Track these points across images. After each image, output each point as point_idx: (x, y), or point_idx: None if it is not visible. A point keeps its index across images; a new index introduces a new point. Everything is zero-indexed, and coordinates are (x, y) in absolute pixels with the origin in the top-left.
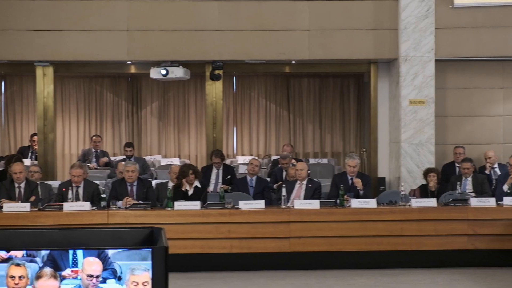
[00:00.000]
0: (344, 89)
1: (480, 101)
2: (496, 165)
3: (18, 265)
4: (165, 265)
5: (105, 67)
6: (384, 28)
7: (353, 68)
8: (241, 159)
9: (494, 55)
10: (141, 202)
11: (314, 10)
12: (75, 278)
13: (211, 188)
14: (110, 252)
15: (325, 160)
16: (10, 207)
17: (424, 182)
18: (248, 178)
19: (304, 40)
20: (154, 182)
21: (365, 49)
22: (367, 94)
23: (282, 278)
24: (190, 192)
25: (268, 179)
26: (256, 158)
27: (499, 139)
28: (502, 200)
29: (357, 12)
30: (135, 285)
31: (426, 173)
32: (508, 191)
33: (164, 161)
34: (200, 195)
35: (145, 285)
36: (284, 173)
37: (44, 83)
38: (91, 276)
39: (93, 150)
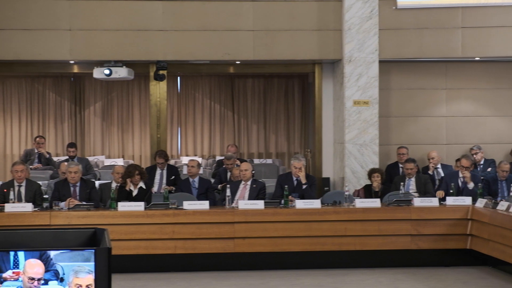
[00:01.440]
0: (288, 89)
1: (423, 102)
2: (439, 166)
3: None
4: (108, 266)
5: (47, 66)
6: (328, 29)
7: (297, 68)
8: (185, 160)
9: (437, 56)
10: (84, 203)
11: (258, 10)
12: (16, 280)
13: (155, 189)
14: (52, 253)
15: (269, 161)
16: None
17: (368, 182)
18: (191, 179)
19: (249, 41)
20: (97, 183)
21: (310, 50)
22: (312, 94)
23: (226, 279)
24: (135, 192)
25: (213, 180)
26: (194, 159)
27: (442, 139)
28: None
29: (302, 13)
30: None
31: (370, 173)
32: (481, 190)
33: (108, 162)
34: (144, 195)
35: None
36: (229, 173)
37: None
38: (33, 279)
39: (36, 151)
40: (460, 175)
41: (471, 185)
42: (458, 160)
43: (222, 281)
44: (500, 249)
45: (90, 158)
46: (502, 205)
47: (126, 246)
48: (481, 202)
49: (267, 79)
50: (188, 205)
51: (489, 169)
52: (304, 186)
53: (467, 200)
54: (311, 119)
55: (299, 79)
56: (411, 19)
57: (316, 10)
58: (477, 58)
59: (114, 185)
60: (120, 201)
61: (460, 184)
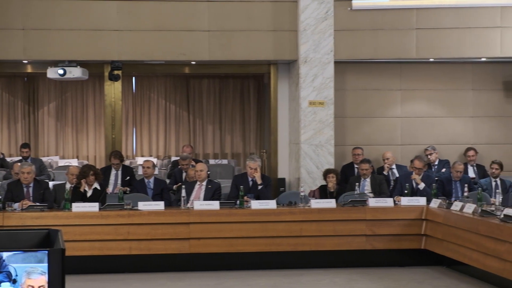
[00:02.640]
0: (244, 90)
1: (378, 102)
2: (394, 166)
3: None
4: (62, 267)
5: (0, 66)
6: (283, 30)
7: (253, 69)
8: (140, 160)
9: (392, 57)
10: (37, 203)
11: (214, 11)
12: None
13: (110, 189)
14: (5, 255)
15: (225, 161)
16: None
17: (323, 183)
18: (146, 179)
19: (204, 41)
20: (51, 184)
21: (265, 50)
22: (267, 95)
23: (181, 280)
24: (89, 193)
25: (168, 180)
26: (149, 159)
27: (397, 140)
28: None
29: (257, 14)
30: None
31: (326, 174)
32: (435, 190)
33: (62, 162)
34: (98, 196)
35: None
36: (184, 174)
37: None
38: None
39: None
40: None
41: (421, 186)
42: (412, 160)
43: (177, 282)
44: (454, 249)
45: (44, 159)
46: (456, 206)
47: (81, 247)
48: (435, 203)
49: (222, 80)
50: (143, 205)
51: (443, 170)
52: (259, 187)
53: (421, 201)
54: (267, 120)
55: (254, 79)
56: (366, 20)
57: (272, 10)
58: (431, 59)
59: (68, 186)
60: (74, 202)
61: (414, 185)
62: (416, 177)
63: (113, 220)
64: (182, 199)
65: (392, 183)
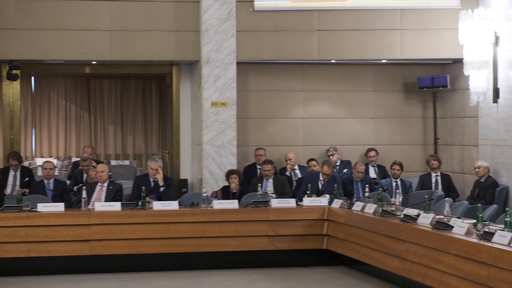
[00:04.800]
0: (146, 90)
1: (281, 103)
2: (296, 167)
3: None
4: None
5: None
6: (186, 30)
7: (155, 69)
8: (40, 161)
9: (294, 59)
10: None
11: (115, 10)
12: None
13: (8, 191)
14: None
15: (126, 162)
16: None
17: (226, 183)
18: (46, 181)
19: (105, 41)
20: None
21: (167, 51)
22: (169, 95)
23: (82, 282)
24: None
25: (68, 181)
26: (49, 160)
27: (299, 141)
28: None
29: (159, 14)
30: None
31: (228, 174)
32: (336, 191)
33: None
34: None
35: None
36: (85, 175)
37: None
38: None
39: None
40: (321, 177)
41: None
42: (309, 160)
43: (78, 284)
44: (355, 249)
45: None
46: (357, 206)
47: None
48: (337, 203)
49: (124, 80)
50: (42, 207)
51: (345, 170)
52: (161, 188)
53: (323, 201)
54: (169, 121)
55: (156, 80)
56: (268, 22)
57: (174, 11)
58: (333, 61)
59: None
60: None
61: (320, 186)
62: (322, 177)
63: (11, 222)
64: (83, 200)
65: (294, 183)
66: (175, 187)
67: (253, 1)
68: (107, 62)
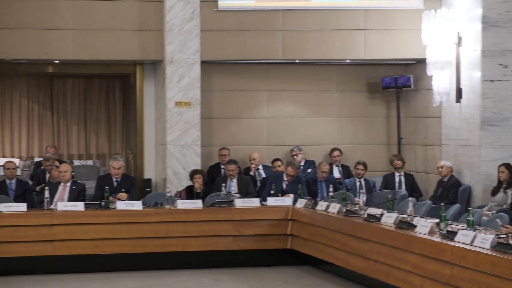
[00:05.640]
0: (109, 90)
1: (245, 103)
2: (260, 167)
3: None
4: None
5: None
6: (149, 30)
7: (118, 69)
8: (1, 161)
9: (258, 58)
10: None
11: (78, 9)
12: None
13: None
14: None
15: (90, 162)
16: None
17: (190, 183)
18: (8, 181)
19: (68, 40)
20: None
21: (131, 50)
22: (133, 95)
23: (45, 283)
24: None
25: (31, 181)
26: (11, 160)
27: (264, 141)
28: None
29: (123, 13)
30: None
31: (192, 174)
32: (300, 191)
33: None
34: None
35: None
36: (47, 175)
37: None
38: None
39: None
40: (285, 178)
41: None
42: (274, 160)
43: (41, 285)
44: (320, 248)
45: None
46: (322, 205)
47: None
48: (301, 203)
49: (87, 80)
50: (4, 207)
51: (309, 170)
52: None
53: (287, 201)
54: (133, 120)
55: (120, 79)
56: (232, 21)
57: (138, 10)
58: (297, 61)
59: None
60: None
61: (284, 186)
62: (287, 177)
63: None
64: (46, 200)
65: (258, 183)
66: (138, 187)
67: (217, 1)
68: (70, 62)
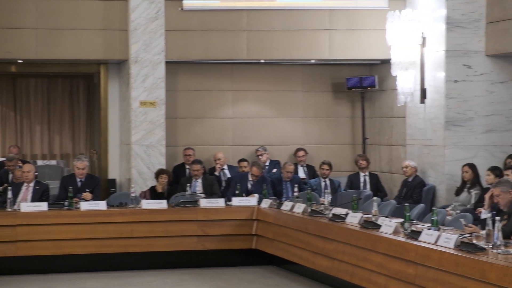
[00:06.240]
0: (73, 90)
1: (210, 103)
2: (225, 167)
3: None
4: None
5: None
6: (114, 29)
7: (83, 68)
8: None
9: (223, 58)
10: None
11: (41, 8)
12: None
13: None
14: None
15: (53, 162)
16: None
17: (154, 183)
18: None
19: (31, 39)
20: None
21: (95, 50)
22: (97, 95)
23: (8, 284)
24: None
25: None
26: None
27: (229, 141)
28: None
29: (87, 12)
30: None
31: (158, 174)
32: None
33: None
34: None
35: None
36: (11, 175)
37: None
38: None
39: None
40: (250, 178)
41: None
42: (240, 161)
43: (4, 286)
44: (284, 248)
45: None
46: (286, 205)
47: None
48: (266, 203)
49: (51, 79)
50: None
51: (274, 170)
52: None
53: (252, 201)
54: (97, 120)
55: (84, 79)
56: (197, 21)
57: (102, 9)
58: (262, 61)
59: None
60: None
61: (249, 186)
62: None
63: None
64: (8, 200)
65: (223, 183)
66: (103, 187)
67: (182, 1)
68: (33, 61)
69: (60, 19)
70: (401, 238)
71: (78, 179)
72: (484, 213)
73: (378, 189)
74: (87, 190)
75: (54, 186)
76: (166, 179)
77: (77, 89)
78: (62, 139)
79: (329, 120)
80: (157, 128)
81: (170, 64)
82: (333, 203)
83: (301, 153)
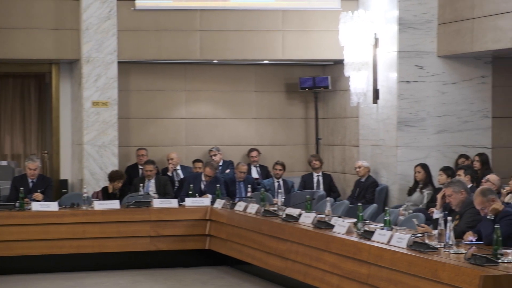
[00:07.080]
0: (24, 89)
1: (163, 103)
2: (178, 167)
3: None
4: None
5: None
6: (66, 29)
7: (34, 68)
8: None
9: (176, 58)
10: None
11: None
12: None
13: None
14: None
15: (4, 163)
16: None
17: (107, 184)
18: None
19: None
20: None
21: (46, 49)
22: (49, 95)
23: None
24: None
25: None
26: None
27: (182, 141)
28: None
29: (38, 11)
30: None
31: (113, 178)
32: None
33: None
34: None
35: None
36: None
37: None
38: None
39: None
40: (203, 178)
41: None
42: (195, 161)
43: None
44: (238, 248)
45: None
46: (240, 206)
47: None
48: (219, 203)
49: (1, 79)
50: None
51: (227, 171)
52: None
53: (205, 201)
54: (49, 120)
55: (35, 79)
56: (150, 21)
57: (54, 8)
58: (215, 61)
59: None
60: None
61: (203, 186)
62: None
63: None
64: None
65: (176, 184)
66: (54, 188)
67: (134, 0)
68: None
69: (11, 18)
70: (354, 238)
71: (30, 180)
72: (436, 213)
73: (331, 189)
74: (39, 190)
75: (5, 186)
76: (120, 184)
77: (28, 89)
78: (13, 140)
79: (282, 120)
80: (109, 128)
81: (123, 64)
82: (287, 204)
83: (254, 153)
